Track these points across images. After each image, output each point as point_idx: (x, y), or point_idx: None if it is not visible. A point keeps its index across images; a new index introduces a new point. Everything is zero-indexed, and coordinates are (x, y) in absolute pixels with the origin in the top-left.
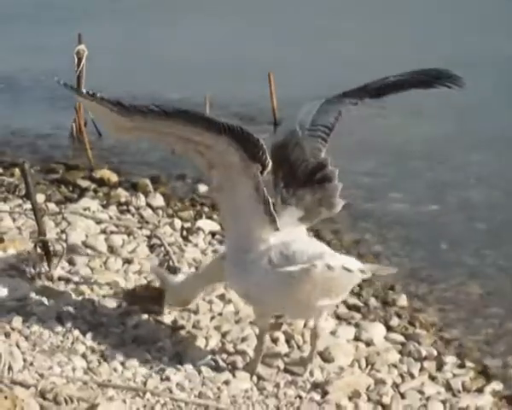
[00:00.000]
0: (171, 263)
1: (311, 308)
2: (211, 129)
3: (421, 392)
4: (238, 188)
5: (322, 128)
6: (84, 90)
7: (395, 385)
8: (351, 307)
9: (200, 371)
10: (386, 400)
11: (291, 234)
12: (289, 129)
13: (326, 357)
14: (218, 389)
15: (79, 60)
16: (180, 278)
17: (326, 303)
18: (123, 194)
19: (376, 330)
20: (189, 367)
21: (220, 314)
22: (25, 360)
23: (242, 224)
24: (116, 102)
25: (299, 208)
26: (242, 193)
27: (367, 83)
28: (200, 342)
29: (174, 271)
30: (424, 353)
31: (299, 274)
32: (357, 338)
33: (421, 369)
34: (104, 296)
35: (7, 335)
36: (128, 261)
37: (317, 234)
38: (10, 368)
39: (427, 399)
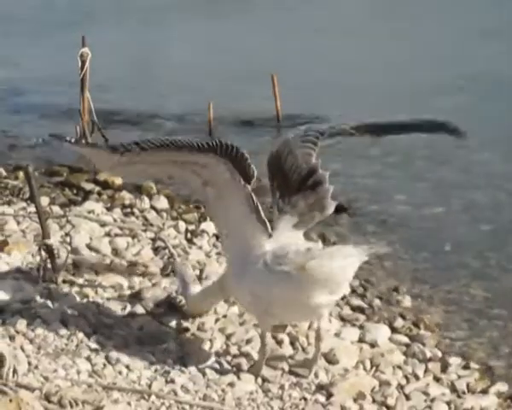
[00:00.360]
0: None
1: (312, 307)
2: (200, 148)
3: (425, 393)
4: (231, 200)
5: (313, 133)
6: (68, 139)
7: (400, 386)
8: (355, 309)
9: (204, 374)
10: (390, 401)
11: (286, 239)
12: (283, 139)
13: (330, 359)
14: (223, 391)
15: (83, 62)
16: (198, 289)
17: (326, 300)
18: (127, 196)
19: (381, 332)
20: (193, 369)
21: (225, 316)
22: (29, 363)
23: (238, 233)
24: (106, 146)
25: (294, 215)
26: (235, 205)
27: (374, 121)
28: (205, 345)
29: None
30: (429, 354)
31: (296, 271)
32: (361, 340)
33: (426, 370)
34: (108, 299)
35: (11, 338)
36: (132, 264)
37: (322, 237)
38: (15, 371)
39: (432, 400)
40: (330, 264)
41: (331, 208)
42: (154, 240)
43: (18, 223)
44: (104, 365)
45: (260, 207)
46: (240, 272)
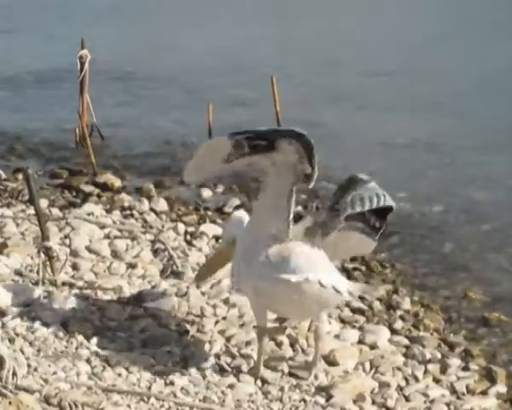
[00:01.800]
0: (174, 267)
1: (308, 310)
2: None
3: (425, 395)
4: (279, 189)
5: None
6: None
7: (400, 388)
8: (355, 311)
9: (204, 376)
10: (390, 403)
11: (294, 242)
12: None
13: (330, 360)
14: (223, 393)
15: (82, 64)
16: None
17: (321, 309)
18: (126, 199)
19: (380, 334)
20: (193, 371)
21: (224, 318)
22: (29, 366)
23: (264, 223)
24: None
25: (308, 221)
26: (278, 196)
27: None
28: (205, 347)
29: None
30: (428, 355)
31: (292, 284)
32: (361, 341)
33: (426, 372)
34: (108, 301)
35: (11, 340)
36: (132, 266)
37: None
38: (15, 374)
39: (432, 401)
40: (325, 292)
41: (330, 238)
42: (153, 242)
43: (17, 225)
44: (104, 367)
45: (292, 210)
46: (248, 261)
